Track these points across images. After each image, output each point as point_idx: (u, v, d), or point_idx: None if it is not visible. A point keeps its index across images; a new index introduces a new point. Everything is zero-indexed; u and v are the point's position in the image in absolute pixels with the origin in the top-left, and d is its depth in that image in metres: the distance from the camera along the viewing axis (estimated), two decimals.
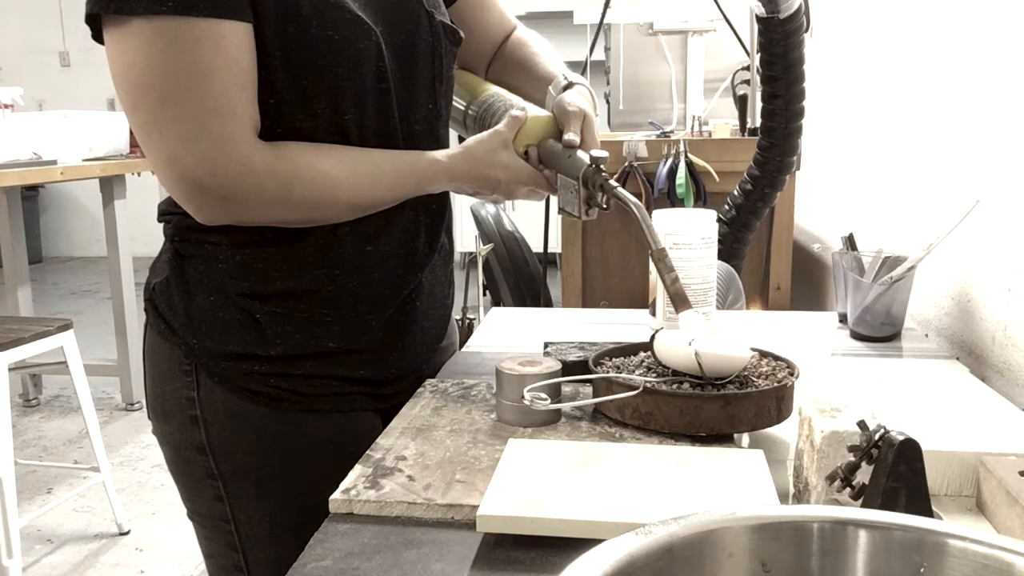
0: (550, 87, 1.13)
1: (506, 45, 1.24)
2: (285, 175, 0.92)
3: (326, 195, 0.94)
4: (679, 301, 0.98)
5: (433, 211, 1.08)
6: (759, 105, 1.93)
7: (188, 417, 1.01)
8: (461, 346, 1.31)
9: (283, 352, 1.00)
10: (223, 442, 1.01)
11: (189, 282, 1.00)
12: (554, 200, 1.10)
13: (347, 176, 0.95)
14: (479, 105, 1.14)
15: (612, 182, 1.03)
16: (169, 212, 1.02)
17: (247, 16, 0.88)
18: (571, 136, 1.04)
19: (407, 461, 0.87)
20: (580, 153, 1.03)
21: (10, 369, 2.38)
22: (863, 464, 0.65)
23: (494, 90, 1.16)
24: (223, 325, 0.99)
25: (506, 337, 1.38)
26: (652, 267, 1.20)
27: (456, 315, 2.34)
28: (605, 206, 1.04)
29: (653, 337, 0.97)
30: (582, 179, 1.02)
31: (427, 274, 1.10)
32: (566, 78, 1.12)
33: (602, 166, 1.02)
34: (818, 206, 2.38)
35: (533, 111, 1.07)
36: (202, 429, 1.01)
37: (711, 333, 0.95)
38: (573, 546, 0.47)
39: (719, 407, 0.89)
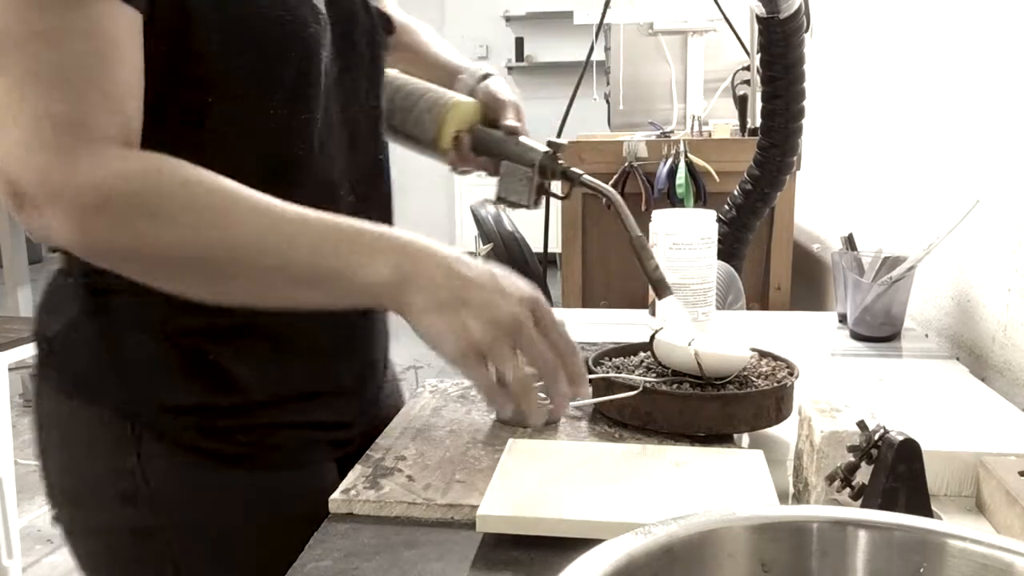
0: (462, 75, 1.08)
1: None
2: (111, 170, 0.67)
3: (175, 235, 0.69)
4: (661, 288, 0.98)
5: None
6: (759, 105, 1.93)
7: (121, 494, 0.81)
8: None
9: (244, 400, 0.83)
10: (176, 518, 0.82)
11: (113, 323, 0.81)
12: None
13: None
14: (393, 93, 1.06)
15: (576, 169, 1.01)
16: None
17: (141, 3, 0.69)
18: (513, 122, 1.01)
19: (407, 461, 0.86)
20: (530, 140, 1.01)
21: (10, 369, 2.38)
22: (863, 464, 0.65)
23: (396, 74, 1.10)
24: (167, 372, 0.81)
25: None
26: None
27: None
28: (563, 195, 1.02)
29: (653, 337, 0.97)
30: (539, 167, 0.99)
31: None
32: (481, 67, 1.09)
33: (559, 153, 1.00)
34: (818, 206, 2.38)
35: (456, 97, 1.04)
36: (146, 506, 0.81)
37: (702, 331, 0.96)
38: (573, 546, 0.47)
39: (718, 407, 0.89)
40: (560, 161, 1.00)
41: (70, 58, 0.66)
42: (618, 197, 1.00)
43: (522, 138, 1.02)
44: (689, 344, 0.92)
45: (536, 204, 1.00)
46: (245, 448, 0.84)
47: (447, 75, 1.10)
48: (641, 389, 0.92)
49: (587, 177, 1.00)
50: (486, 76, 1.08)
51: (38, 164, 0.65)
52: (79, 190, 0.66)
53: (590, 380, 1.01)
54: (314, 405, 0.88)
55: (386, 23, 0.95)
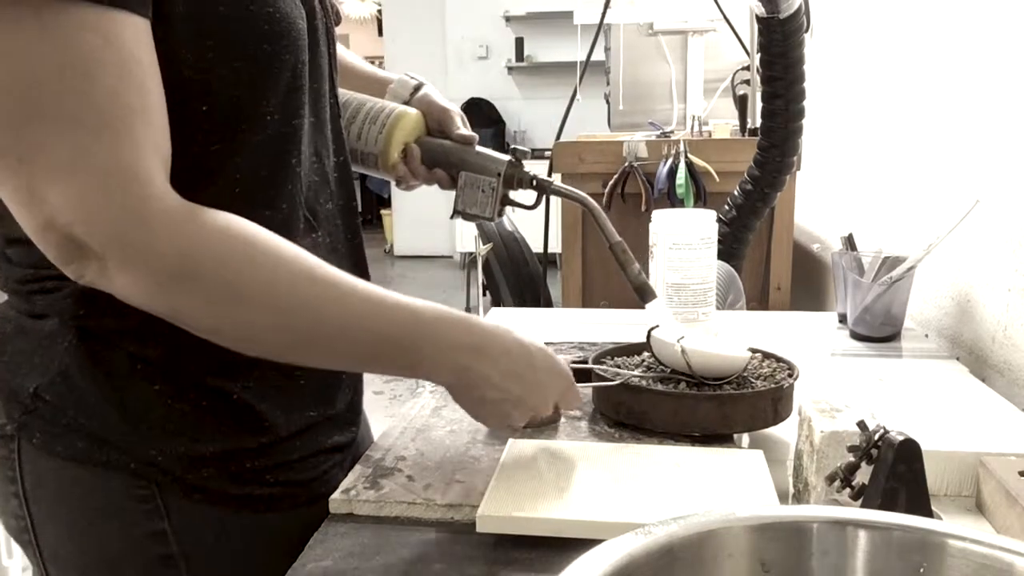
0: (392, 86, 1.03)
1: None
2: (196, 238, 0.65)
3: (263, 289, 0.68)
4: (645, 292, 0.98)
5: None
6: (759, 105, 1.93)
7: (156, 559, 0.76)
8: None
9: (272, 437, 0.79)
10: (215, 572, 0.79)
11: (115, 372, 0.74)
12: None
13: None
14: None
15: (546, 177, 0.98)
16: (59, 276, 0.67)
17: (145, 10, 0.64)
18: (467, 132, 0.98)
19: (407, 461, 0.87)
20: (488, 150, 0.98)
21: None
22: (863, 464, 0.65)
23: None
24: (187, 420, 0.75)
25: None
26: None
27: None
28: (531, 205, 0.99)
29: (649, 334, 0.97)
30: (504, 176, 0.96)
31: None
32: (412, 76, 1.04)
33: (524, 160, 0.97)
34: (818, 206, 2.38)
35: (399, 108, 0.99)
36: (182, 568, 0.76)
37: (710, 335, 0.95)
38: (573, 546, 0.47)
39: (714, 407, 0.90)
40: (526, 169, 0.98)
41: (108, 95, 0.62)
42: (594, 203, 0.98)
43: (478, 147, 0.99)
44: (678, 342, 0.92)
45: (500, 215, 0.97)
46: (274, 488, 0.80)
47: (373, 85, 1.04)
48: (618, 382, 0.91)
49: (558, 184, 0.98)
50: (419, 86, 1.03)
51: (106, 220, 0.63)
52: (160, 256, 0.64)
53: (577, 371, 1.00)
54: (324, 430, 0.85)
55: (336, 14, 0.90)
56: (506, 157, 0.98)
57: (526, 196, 1.01)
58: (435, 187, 1.05)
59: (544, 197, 0.99)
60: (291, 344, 0.71)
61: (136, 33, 0.64)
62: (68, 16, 0.61)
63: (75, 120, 0.62)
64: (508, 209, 1.01)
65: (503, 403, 0.77)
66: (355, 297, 0.72)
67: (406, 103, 1.01)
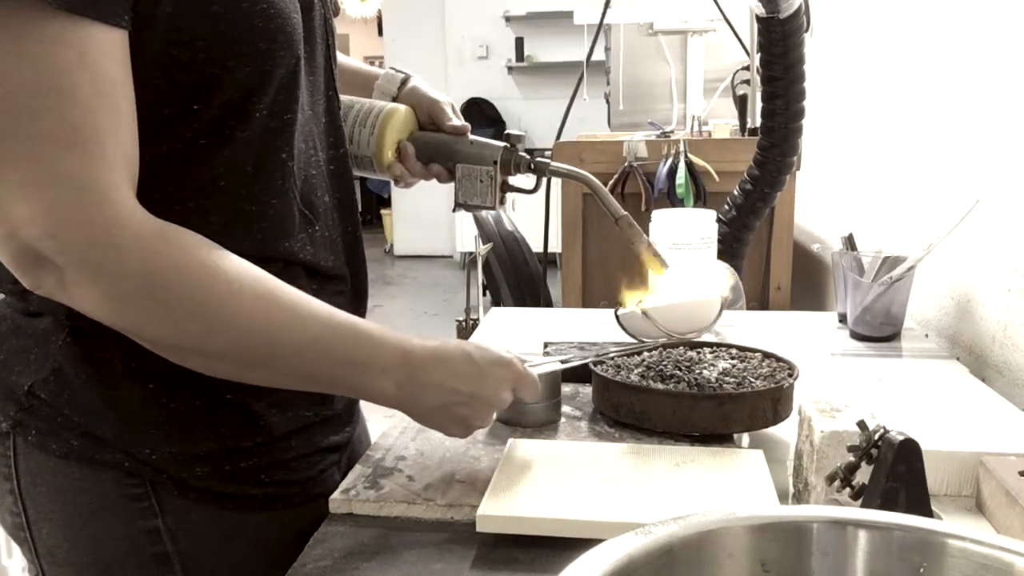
0: (379, 82, 1.02)
1: None
2: (166, 259, 0.66)
3: (218, 309, 0.68)
4: (659, 264, 0.97)
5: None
6: (759, 105, 1.93)
7: (150, 557, 0.76)
8: None
9: (267, 437, 0.79)
10: (210, 571, 0.79)
11: (108, 370, 0.74)
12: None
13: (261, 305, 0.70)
14: None
15: (542, 159, 0.98)
16: None
17: (124, 20, 0.63)
18: (459, 122, 0.97)
19: (407, 461, 0.87)
20: (482, 138, 0.98)
21: None
22: (863, 464, 0.65)
23: None
24: (183, 420, 0.75)
25: (506, 337, 1.38)
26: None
27: (459, 316, 2.35)
28: (531, 189, 0.99)
29: (616, 315, 0.95)
30: (501, 163, 0.96)
31: None
32: (397, 70, 1.03)
33: (518, 145, 0.96)
34: (818, 206, 2.38)
35: (389, 106, 0.97)
36: (177, 567, 0.76)
37: (685, 281, 0.93)
38: (573, 546, 0.47)
39: (712, 407, 0.90)
40: (522, 153, 0.97)
41: (82, 113, 0.62)
42: (594, 179, 0.97)
43: (472, 136, 0.98)
44: (637, 305, 0.91)
45: (501, 203, 0.97)
46: (269, 488, 0.80)
47: (361, 81, 1.03)
48: (570, 366, 0.91)
49: (556, 164, 0.97)
50: (406, 79, 1.02)
51: (75, 238, 0.63)
52: (127, 276, 0.65)
53: (576, 371, 1.00)
54: (320, 430, 0.85)
55: (334, 5, 0.88)
56: (501, 144, 0.97)
57: (526, 181, 1.00)
58: (435, 186, 1.05)
59: (545, 180, 0.98)
60: (251, 365, 0.72)
61: (111, 47, 0.63)
62: (43, 31, 0.60)
63: (47, 138, 0.61)
64: (509, 208, 1.01)
65: (455, 406, 0.77)
66: (315, 321, 0.72)
67: (394, 98, 1.00)
